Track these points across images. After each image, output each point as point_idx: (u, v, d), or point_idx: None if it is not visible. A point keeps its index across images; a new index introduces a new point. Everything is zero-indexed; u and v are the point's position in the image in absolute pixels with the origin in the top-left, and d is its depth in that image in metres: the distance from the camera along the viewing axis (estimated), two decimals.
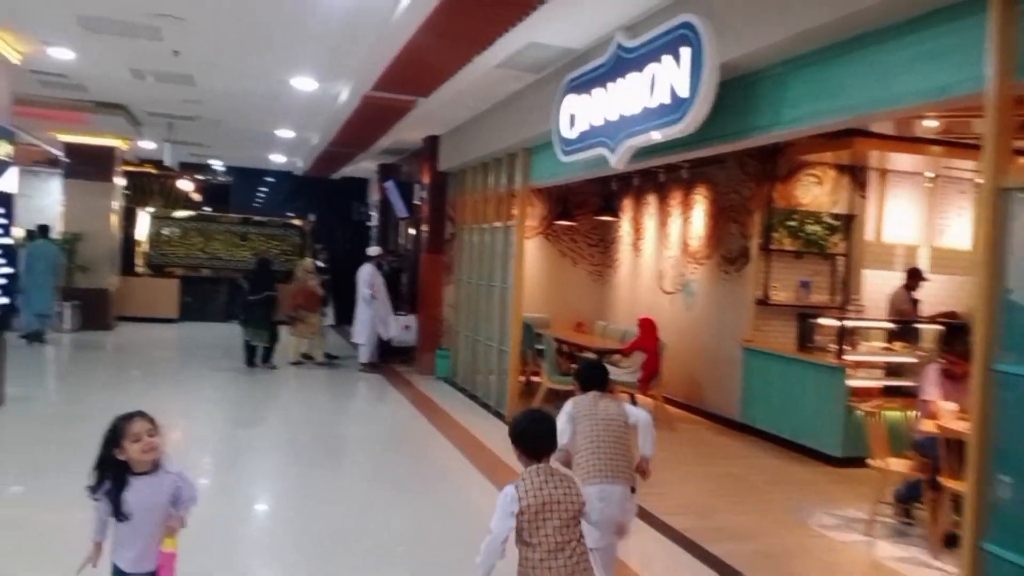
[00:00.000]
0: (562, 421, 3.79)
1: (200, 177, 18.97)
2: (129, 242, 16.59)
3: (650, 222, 10.85)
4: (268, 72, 8.49)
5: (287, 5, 6.23)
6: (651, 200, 10.82)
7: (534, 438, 2.83)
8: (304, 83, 8.84)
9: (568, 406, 3.91)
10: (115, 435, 2.77)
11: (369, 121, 10.13)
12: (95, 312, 14.05)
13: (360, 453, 7.68)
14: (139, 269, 16.85)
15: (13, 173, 7.62)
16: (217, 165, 18.87)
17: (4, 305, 7.54)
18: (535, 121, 7.62)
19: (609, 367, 8.76)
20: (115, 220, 14.78)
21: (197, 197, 18.90)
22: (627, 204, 11.47)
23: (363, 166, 16.07)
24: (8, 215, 7.58)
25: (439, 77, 7.64)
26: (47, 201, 16.42)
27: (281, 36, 7.11)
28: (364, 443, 8.17)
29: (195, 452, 7.00)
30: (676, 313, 9.94)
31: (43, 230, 12.80)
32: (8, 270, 7.61)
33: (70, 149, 14.11)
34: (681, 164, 8.93)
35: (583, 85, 6.16)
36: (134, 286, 16.13)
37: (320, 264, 12.53)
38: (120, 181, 15.14)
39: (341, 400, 10.21)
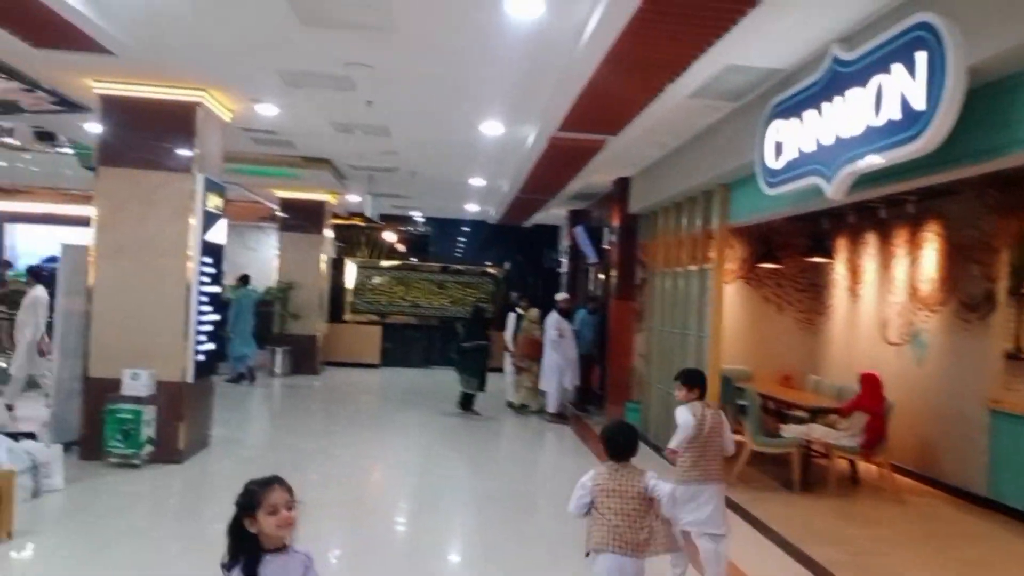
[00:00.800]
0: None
1: (402, 228, 19.87)
2: (337, 291, 17.50)
3: (870, 264, 9.67)
4: (456, 118, 8.51)
5: (469, 47, 6.11)
6: (870, 239, 9.66)
7: (615, 444, 3.64)
8: (492, 127, 8.78)
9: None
10: (249, 503, 2.43)
11: (557, 164, 9.88)
12: (304, 357, 14.81)
13: (545, 511, 7.24)
14: (346, 317, 17.70)
15: (223, 225, 8.05)
16: (417, 216, 19.65)
17: (211, 350, 7.92)
18: (734, 154, 6.98)
19: (825, 429, 7.93)
20: (324, 270, 15.63)
21: (401, 247, 19.76)
22: (841, 244, 10.34)
23: (553, 213, 15.97)
24: (217, 264, 7.99)
25: (628, 111, 7.21)
26: (270, 254, 17.83)
27: (465, 79, 7.05)
28: (549, 500, 7.72)
29: (382, 497, 6.95)
30: (904, 367, 8.68)
31: (244, 280, 13.75)
32: (215, 316, 8.00)
33: (285, 204, 15.18)
34: (906, 198, 7.86)
35: (792, 108, 5.46)
36: (340, 333, 16.88)
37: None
38: (329, 233, 16.06)
39: (528, 452, 9.91)
